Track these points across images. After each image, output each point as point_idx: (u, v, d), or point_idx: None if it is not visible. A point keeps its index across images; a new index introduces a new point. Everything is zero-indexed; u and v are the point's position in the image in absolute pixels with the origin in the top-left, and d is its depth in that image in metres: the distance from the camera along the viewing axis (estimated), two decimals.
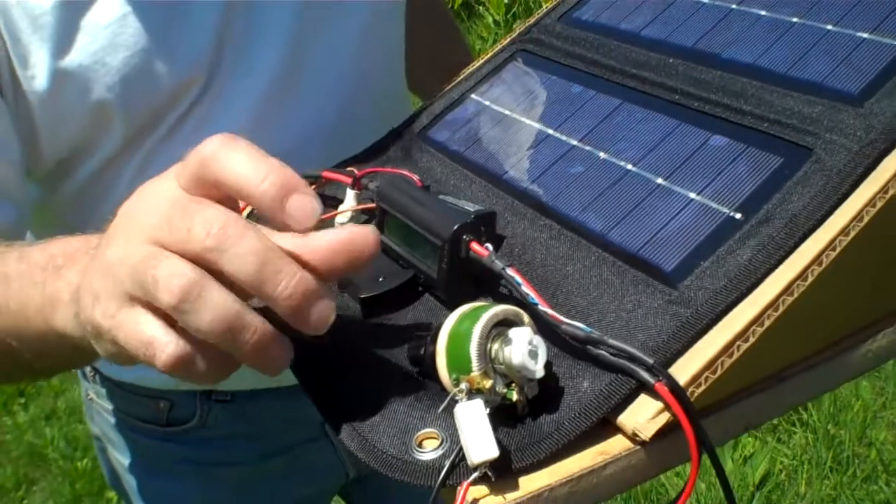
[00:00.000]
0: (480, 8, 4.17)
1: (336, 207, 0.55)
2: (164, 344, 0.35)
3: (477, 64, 0.65)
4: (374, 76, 0.74)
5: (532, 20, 0.66)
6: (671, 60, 0.53)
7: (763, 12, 0.53)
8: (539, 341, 0.35)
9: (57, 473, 2.03)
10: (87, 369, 0.84)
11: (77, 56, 0.59)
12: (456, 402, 0.34)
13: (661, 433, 0.35)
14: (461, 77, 0.65)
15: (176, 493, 0.85)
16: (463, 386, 0.35)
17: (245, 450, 0.84)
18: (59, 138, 0.62)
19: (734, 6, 0.55)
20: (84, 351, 0.41)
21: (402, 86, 0.82)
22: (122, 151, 0.64)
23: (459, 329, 0.36)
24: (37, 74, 0.59)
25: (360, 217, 0.54)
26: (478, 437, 0.33)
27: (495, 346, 0.36)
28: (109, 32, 0.59)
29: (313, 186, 0.57)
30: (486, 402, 0.34)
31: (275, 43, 0.65)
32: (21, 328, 0.47)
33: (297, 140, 0.68)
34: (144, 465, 0.85)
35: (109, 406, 0.84)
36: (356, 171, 0.54)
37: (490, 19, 4.09)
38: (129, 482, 0.88)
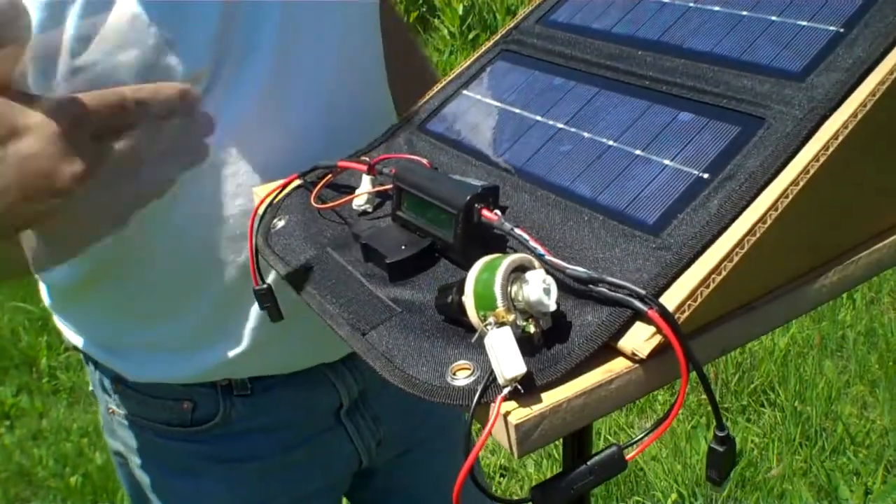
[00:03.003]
0: (436, 21, 4.25)
1: (350, 194, 0.62)
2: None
3: (465, 64, 0.73)
4: (357, 79, 0.79)
5: (512, 24, 0.74)
6: (640, 52, 0.61)
7: (717, 8, 0.61)
8: (551, 281, 0.43)
9: (48, 492, 2.05)
10: (109, 383, 0.87)
11: (91, 55, 0.63)
12: (485, 332, 0.41)
13: (655, 353, 0.43)
14: (452, 76, 0.72)
15: (202, 492, 0.88)
16: (490, 319, 0.42)
17: (266, 444, 0.87)
18: None
19: (692, 4, 0.63)
20: None
21: (384, 98, 0.85)
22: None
23: (483, 276, 0.44)
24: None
25: (375, 199, 0.61)
26: (508, 357, 0.40)
27: (514, 287, 0.43)
28: (122, 32, 0.64)
29: (329, 176, 0.64)
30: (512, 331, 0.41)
31: (270, 31, 0.70)
32: None
33: (297, 130, 0.73)
34: (170, 468, 0.89)
35: (132, 415, 0.87)
36: (370, 159, 0.61)
37: (446, 31, 4.18)
38: (155, 489, 0.90)
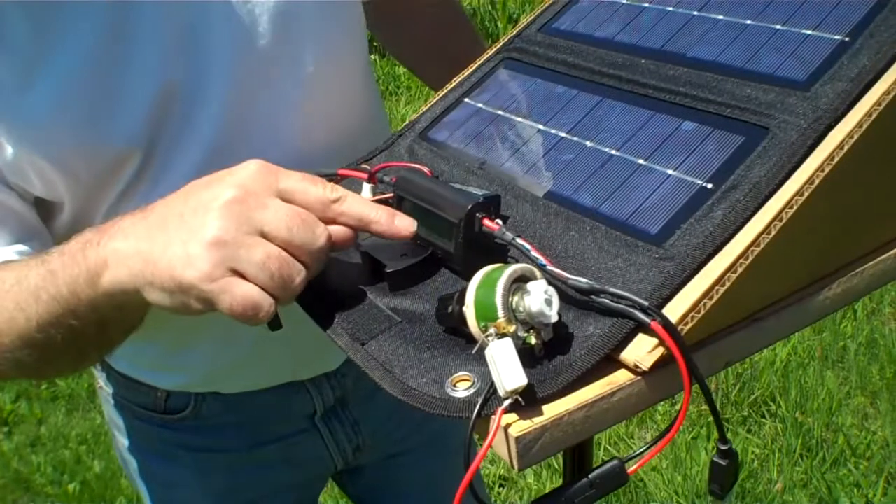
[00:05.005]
0: None
1: None
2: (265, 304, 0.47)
3: (467, 72, 0.72)
4: (326, 120, 0.75)
5: (514, 32, 0.74)
6: (643, 61, 0.61)
7: (720, 16, 0.60)
8: (552, 291, 0.42)
9: (46, 499, 2.04)
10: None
11: (24, 136, 0.63)
12: (486, 344, 0.41)
13: (658, 365, 0.42)
14: (454, 83, 0.72)
15: (172, 474, 0.92)
16: (491, 330, 0.41)
17: (236, 438, 0.90)
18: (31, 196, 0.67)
19: (695, 13, 0.62)
20: (127, 307, 0.53)
21: (368, 116, 0.82)
22: (86, 205, 0.68)
23: (484, 286, 0.43)
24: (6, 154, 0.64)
25: None
26: (508, 369, 0.39)
27: (515, 297, 0.42)
28: (47, 116, 0.63)
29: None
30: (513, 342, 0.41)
31: (215, 111, 0.68)
32: (76, 306, 0.54)
33: None
34: (146, 449, 0.92)
35: (116, 395, 0.91)
36: (370, 168, 0.60)
37: None
38: (132, 463, 0.95)
